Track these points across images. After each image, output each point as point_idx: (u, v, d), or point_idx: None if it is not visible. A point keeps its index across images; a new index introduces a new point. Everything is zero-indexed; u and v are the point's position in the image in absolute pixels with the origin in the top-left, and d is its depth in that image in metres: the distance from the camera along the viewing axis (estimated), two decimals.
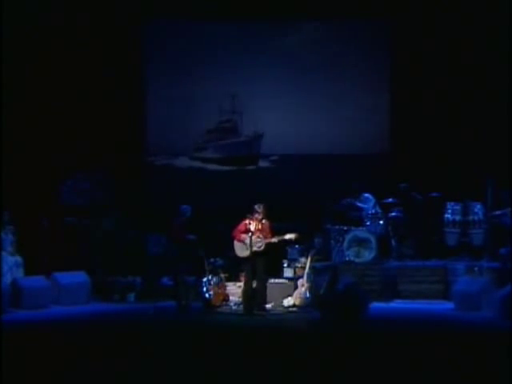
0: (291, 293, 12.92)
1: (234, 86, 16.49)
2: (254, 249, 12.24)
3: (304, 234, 13.37)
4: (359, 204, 14.36)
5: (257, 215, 12.43)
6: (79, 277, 13.79)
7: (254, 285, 12.38)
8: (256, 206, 12.45)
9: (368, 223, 14.16)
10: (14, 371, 8.03)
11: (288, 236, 12.40)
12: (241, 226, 12.48)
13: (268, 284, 12.81)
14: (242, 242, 12.40)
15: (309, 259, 12.98)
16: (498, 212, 13.46)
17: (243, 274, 12.84)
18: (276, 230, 12.57)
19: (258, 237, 12.30)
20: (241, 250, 12.47)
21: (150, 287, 14.04)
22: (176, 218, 13.01)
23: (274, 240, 12.39)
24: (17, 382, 7.88)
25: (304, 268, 13.04)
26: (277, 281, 13.31)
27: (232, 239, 12.56)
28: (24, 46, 15.24)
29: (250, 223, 12.43)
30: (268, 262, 12.52)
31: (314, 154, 16.50)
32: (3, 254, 13.18)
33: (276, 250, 13.45)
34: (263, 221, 12.47)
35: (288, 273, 13.75)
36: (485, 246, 13.52)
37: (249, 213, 12.51)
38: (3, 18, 14.56)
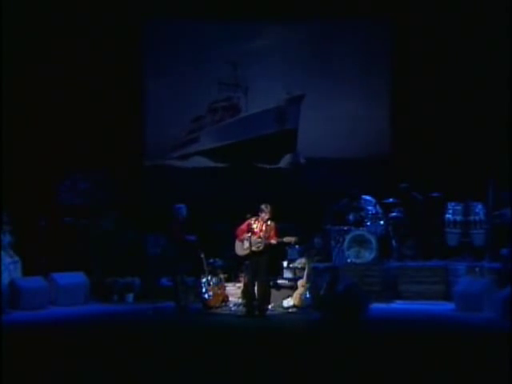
0: (291, 293, 12.87)
1: (232, 92, 16.40)
2: (253, 248, 12.17)
3: (303, 235, 13.32)
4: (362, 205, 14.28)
5: (263, 215, 12.25)
6: (78, 277, 13.77)
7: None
8: (263, 206, 12.26)
9: (368, 223, 14.11)
10: (13, 372, 7.98)
11: (287, 239, 12.30)
12: (244, 226, 12.37)
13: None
14: (242, 241, 12.34)
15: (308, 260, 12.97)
16: (499, 212, 13.42)
17: (243, 274, 12.81)
18: (280, 232, 12.45)
19: (259, 237, 12.21)
20: (240, 249, 12.39)
21: (148, 288, 13.99)
22: (174, 218, 12.96)
23: (273, 242, 12.26)
24: (16, 382, 7.83)
25: (304, 268, 13.00)
26: (277, 281, 13.26)
27: (234, 238, 12.47)
28: (24, 46, 15.22)
29: (253, 223, 12.33)
30: (269, 263, 12.41)
31: (314, 155, 16.46)
32: (1, 254, 13.13)
33: (276, 250, 13.42)
34: (268, 222, 12.29)
35: (288, 273, 13.71)
36: (486, 246, 13.47)
37: (250, 213, 12.40)
38: (3, 17, 14.54)
